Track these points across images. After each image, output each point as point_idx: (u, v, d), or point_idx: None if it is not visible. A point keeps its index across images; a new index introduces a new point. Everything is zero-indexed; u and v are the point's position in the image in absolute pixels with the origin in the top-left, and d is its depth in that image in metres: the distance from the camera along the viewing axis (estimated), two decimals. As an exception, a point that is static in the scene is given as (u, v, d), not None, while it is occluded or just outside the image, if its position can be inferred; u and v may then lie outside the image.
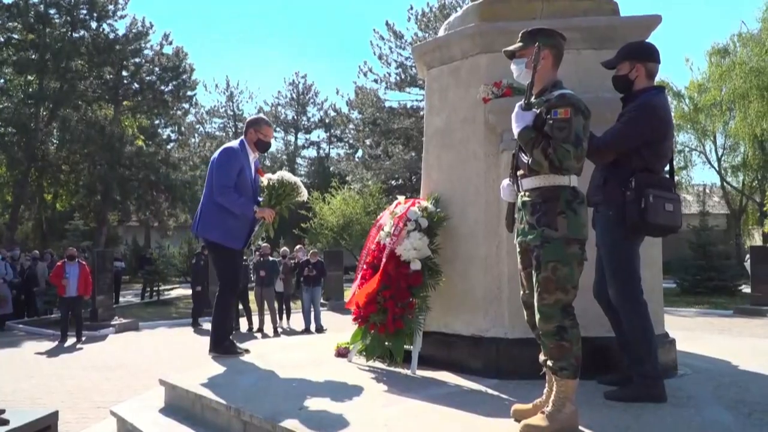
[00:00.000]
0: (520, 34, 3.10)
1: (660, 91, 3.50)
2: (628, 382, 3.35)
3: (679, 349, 4.22)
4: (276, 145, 43.88)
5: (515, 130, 2.93)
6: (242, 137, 5.09)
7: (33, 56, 25.18)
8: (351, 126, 35.98)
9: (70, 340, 11.71)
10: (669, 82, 25.67)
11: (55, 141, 27.68)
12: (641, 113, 3.33)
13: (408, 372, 4.10)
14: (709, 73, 25.11)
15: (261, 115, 5.30)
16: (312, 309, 12.94)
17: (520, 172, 2.99)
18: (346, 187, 28.24)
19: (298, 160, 44.14)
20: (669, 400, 3.20)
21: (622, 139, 3.33)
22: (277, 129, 43.88)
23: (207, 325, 13.50)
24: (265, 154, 43.25)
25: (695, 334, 6.70)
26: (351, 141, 38.71)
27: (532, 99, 2.95)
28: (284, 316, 13.60)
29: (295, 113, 43.79)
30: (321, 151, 44.56)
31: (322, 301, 13.85)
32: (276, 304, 13.12)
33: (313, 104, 44.02)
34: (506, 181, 3.16)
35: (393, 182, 32.21)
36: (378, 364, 4.39)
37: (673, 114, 3.35)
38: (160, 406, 4.22)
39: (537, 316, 2.82)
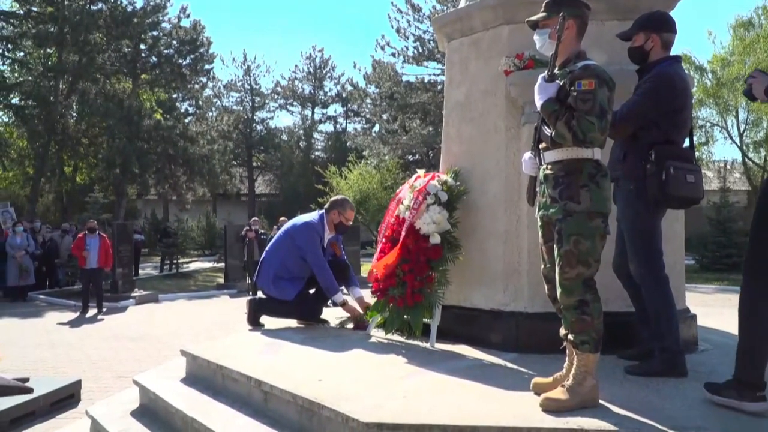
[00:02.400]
0: (543, 4, 3.04)
1: (675, 61, 3.43)
2: (649, 357, 3.34)
3: (699, 324, 4.20)
4: (293, 119, 43.80)
5: (538, 102, 2.88)
6: (323, 212, 5.26)
7: (52, 29, 25.17)
8: (368, 100, 35.74)
9: (91, 312, 11.90)
10: (691, 56, 25.18)
11: (74, 114, 27.81)
12: (657, 84, 3.27)
13: (427, 345, 4.11)
14: (733, 46, 24.56)
15: (346, 197, 5.56)
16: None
17: (542, 145, 2.95)
18: (363, 162, 28.16)
19: (315, 135, 44.06)
20: (690, 375, 3.19)
21: (638, 112, 3.28)
22: (294, 103, 43.75)
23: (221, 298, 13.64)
24: (282, 129, 43.34)
25: (715, 310, 6.64)
26: (368, 115, 38.45)
27: (556, 70, 2.90)
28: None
29: (312, 87, 43.56)
30: (338, 126, 44.38)
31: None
32: None
33: (330, 78, 43.74)
34: (528, 154, 3.12)
35: (410, 157, 32.05)
36: (397, 337, 4.41)
37: (695, 89, 3.30)
38: (181, 376, 4.27)
39: (558, 290, 2.80)
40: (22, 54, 26.49)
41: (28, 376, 5.67)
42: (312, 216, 5.29)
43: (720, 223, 17.71)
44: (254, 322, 5.15)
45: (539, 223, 3.01)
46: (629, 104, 3.33)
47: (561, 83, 2.82)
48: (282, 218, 12.84)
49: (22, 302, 13.86)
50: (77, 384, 5.73)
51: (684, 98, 3.35)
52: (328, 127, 44.91)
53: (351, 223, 5.36)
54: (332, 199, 5.42)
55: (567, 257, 2.75)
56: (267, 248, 5.44)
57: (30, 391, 5.19)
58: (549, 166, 2.89)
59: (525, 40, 3.76)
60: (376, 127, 36.04)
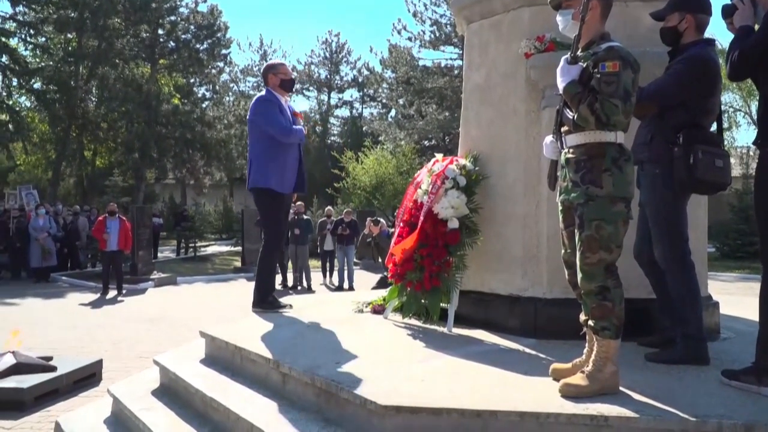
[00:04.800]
0: (567, -16, 2.99)
1: (709, 44, 3.35)
2: (669, 345, 3.30)
3: (722, 312, 4.15)
4: (309, 104, 43.72)
5: (560, 84, 2.83)
6: (265, 87, 5.10)
7: (72, 14, 25.34)
8: (384, 85, 35.58)
9: (111, 293, 12.06)
10: (716, 40, 24.75)
11: (94, 99, 28.06)
12: (688, 66, 3.20)
13: (444, 330, 4.10)
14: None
15: (272, 61, 5.33)
16: (345, 267, 13.14)
17: (564, 129, 2.91)
18: (379, 147, 28.13)
19: (331, 120, 44.02)
20: (712, 363, 3.14)
21: (666, 92, 3.21)
22: (310, 88, 43.67)
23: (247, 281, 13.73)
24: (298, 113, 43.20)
25: (737, 298, 6.58)
26: (384, 100, 38.31)
27: (579, 52, 2.85)
28: (328, 273, 14.16)
29: (328, 72, 43.44)
30: (354, 111, 44.31)
31: (354, 260, 14.00)
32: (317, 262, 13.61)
33: (346, 63, 43.58)
34: (549, 138, 3.07)
35: (426, 142, 31.90)
36: (414, 322, 4.40)
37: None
38: (200, 357, 4.31)
39: (579, 276, 2.77)
40: (43, 39, 26.65)
41: (52, 355, 5.75)
42: (260, 94, 5.13)
43: (742, 210, 17.46)
44: (271, 306, 4.93)
45: (560, 208, 2.98)
46: (657, 83, 3.27)
47: (584, 65, 2.77)
48: (299, 202, 12.85)
49: (45, 283, 14.10)
50: (99, 363, 5.81)
51: (715, 82, 3.28)
52: (344, 111, 44.90)
53: (291, 76, 5.18)
54: (261, 71, 5.28)
55: (588, 242, 2.72)
56: (249, 149, 5.25)
57: (53, 369, 5.27)
58: (571, 150, 2.85)
59: (546, 22, 3.71)
60: (393, 112, 35.92)
